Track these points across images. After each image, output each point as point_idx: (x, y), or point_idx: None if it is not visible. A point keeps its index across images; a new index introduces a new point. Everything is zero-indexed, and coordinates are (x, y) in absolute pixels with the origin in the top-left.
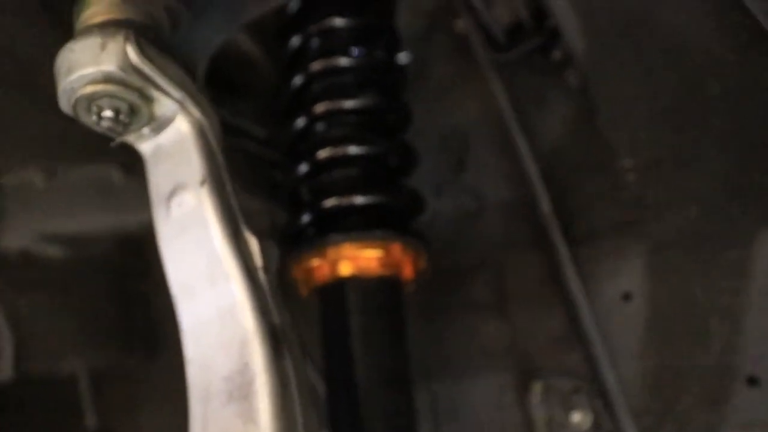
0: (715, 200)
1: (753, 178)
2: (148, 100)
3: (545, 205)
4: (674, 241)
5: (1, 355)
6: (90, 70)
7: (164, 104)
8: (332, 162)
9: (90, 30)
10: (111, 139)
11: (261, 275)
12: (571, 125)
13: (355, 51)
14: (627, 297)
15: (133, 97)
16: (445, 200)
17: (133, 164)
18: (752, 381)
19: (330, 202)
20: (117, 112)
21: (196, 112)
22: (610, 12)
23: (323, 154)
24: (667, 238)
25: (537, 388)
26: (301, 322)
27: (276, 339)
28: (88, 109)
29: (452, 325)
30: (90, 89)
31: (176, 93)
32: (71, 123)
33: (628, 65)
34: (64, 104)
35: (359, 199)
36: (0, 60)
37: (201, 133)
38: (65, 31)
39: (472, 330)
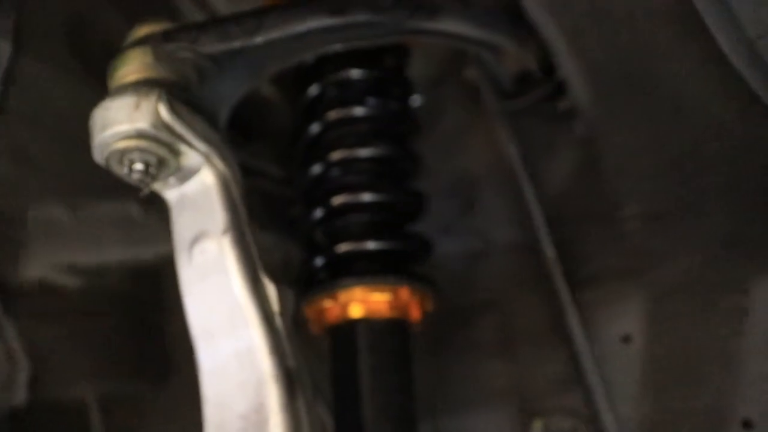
0: (715, 250)
1: (752, 231)
2: (176, 153)
3: (549, 250)
4: (675, 288)
5: (16, 382)
6: (124, 128)
7: (191, 157)
8: (346, 208)
9: (125, 89)
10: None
11: (278, 320)
12: (576, 173)
13: (369, 101)
14: (627, 340)
15: (162, 152)
16: (453, 241)
17: (151, 201)
18: (747, 424)
19: (342, 247)
20: (147, 164)
21: (221, 165)
22: (615, 68)
23: (337, 200)
24: (668, 285)
25: (537, 425)
26: (314, 359)
27: (291, 381)
28: (120, 162)
29: (457, 363)
30: (123, 144)
31: (202, 147)
32: (95, 164)
33: (632, 118)
34: (98, 156)
35: (370, 245)
36: (35, 104)
37: (224, 185)
38: (96, 80)
39: (476, 368)
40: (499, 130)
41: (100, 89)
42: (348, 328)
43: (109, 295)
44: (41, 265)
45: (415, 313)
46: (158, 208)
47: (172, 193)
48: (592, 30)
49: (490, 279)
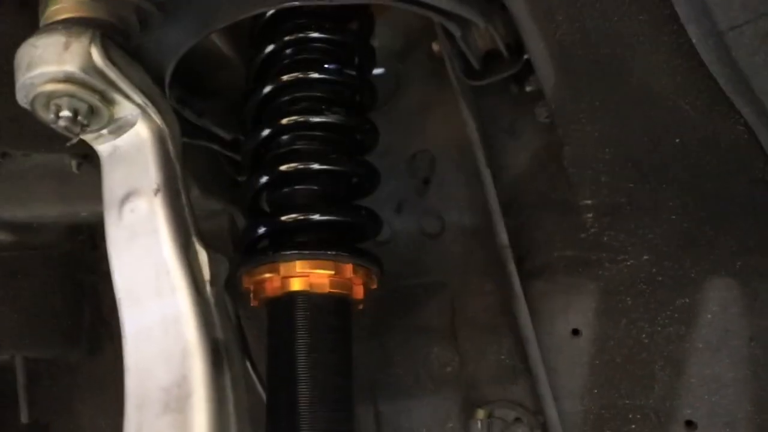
0: (668, 249)
1: (705, 231)
2: (110, 102)
3: (502, 236)
4: (626, 284)
5: None
6: (51, 69)
7: (126, 108)
8: (293, 176)
9: (54, 27)
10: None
11: (208, 289)
12: (536, 159)
13: (327, 66)
14: (576, 333)
15: (93, 99)
16: (406, 219)
17: (87, 155)
18: (690, 424)
19: (286, 217)
20: (76, 112)
21: (158, 119)
22: (582, 51)
23: (286, 167)
24: (620, 281)
25: (480, 414)
26: (258, 331)
27: (217, 354)
28: (47, 107)
29: (402, 346)
30: (50, 87)
31: (139, 98)
32: (28, 113)
33: (596, 107)
34: (22, 98)
35: (316, 216)
36: None
37: (161, 141)
38: (33, 15)
39: (421, 352)
40: (462, 108)
41: (34, 26)
42: (287, 301)
43: (41, 254)
44: None
45: (357, 291)
46: (95, 165)
47: (104, 147)
48: (563, 11)
49: (441, 261)
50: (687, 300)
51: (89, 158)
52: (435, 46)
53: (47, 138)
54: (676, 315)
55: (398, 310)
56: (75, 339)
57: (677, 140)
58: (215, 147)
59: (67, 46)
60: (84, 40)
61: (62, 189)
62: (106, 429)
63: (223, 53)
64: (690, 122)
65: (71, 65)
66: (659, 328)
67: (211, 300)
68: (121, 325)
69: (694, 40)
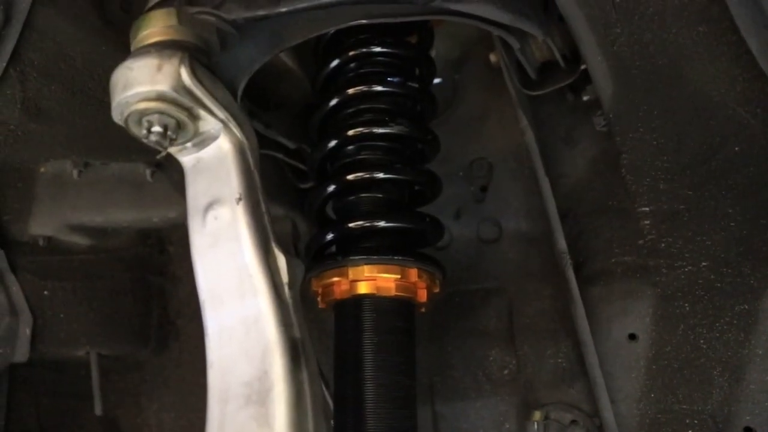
0: (726, 255)
1: (764, 238)
2: (195, 117)
3: (561, 242)
4: (684, 290)
5: (19, 336)
6: (145, 89)
7: (209, 123)
8: (359, 184)
9: (147, 50)
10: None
11: (286, 291)
12: (593, 166)
13: (390, 79)
14: (633, 338)
15: (181, 115)
16: (464, 226)
17: (160, 165)
18: (748, 431)
19: (354, 224)
20: (165, 127)
21: (238, 133)
22: (640, 62)
23: (352, 176)
24: (677, 287)
25: (536, 416)
26: (318, 333)
27: (296, 351)
28: (139, 123)
29: (460, 349)
30: (143, 106)
31: (221, 113)
32: (110, 122)
33: (654, 116)
34: (117, 116)
35: (382, 223)
36: (51, 56)
37: (241, 153)
38: (114, 36)
39: (479, 355)
40: (520, 117)
41: (117, 46)
42: (354, 304)
43: (114, 258)
44: (50, 223)
45: (421, 295)
46: (168, 173)
47: (188, 158)
48: (621, 23)
49: (498, 267)
50: (746, 307)
51: (162, 167)
52: (493, 57)
53: (125, 148)
54: (734, 321)
55: (456, 315)
56: (144, 337)
57: (736, 148)
58: (280, 156)
59: (159, 68)
60: (174, 62)
61: (136, 196)
62: (170, 423)
63: (287, 67)
64: (750, 130)
65: (163, 85)
66: (717, 334)
67: (290, 301)
68: (204, 325)
69: (754, 51)
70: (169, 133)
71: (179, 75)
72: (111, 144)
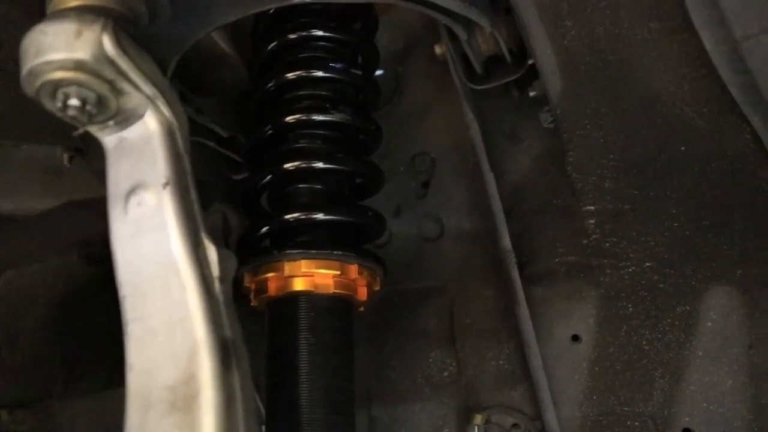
0: (670, 256)
1: (707, 239)
2: (118, 93)
3: (505, 241)
4: (627, 290)
5: None
6: (61, 56)
7: (134, 99)
8: (297, 174)
9: (65, 14)
10: (62, 121)
11: (217, 285)
12: (539, 164)
13: (332, 65)
14: (576, 339)
15: (102, 89)
16: (404, 222)
17: (81, 149)
18: None
19: (290, 216)
20: (84, 101)
21: (167, 112)
22: (590, 57)
23: (290, 165)
24: (621, 287)
25: (477, 420)
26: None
27: (226, 352)
28: (53, 96)
29: (398, 350)
30: (58, 75)
31: (148, 89)
32: (20, 100)
33: (602, 113)
34: (28, 87)
35: (320, 216)
36: None
37: (169, 133)
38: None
39: (418, 357)
40: (465, 111)
41: (29, 13)
42: (289, 302)
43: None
44: None
45: (361, 293)
46: (87, 159)
47: (109, 138)
48: (572, 16)
49: (439, 265)
50: (688, 308)
51: (81, 152)
52: (438, 49)
53: (40, 129)
54: (676, 322)
55: (395, 315)
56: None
57: (682, 148)
58: (212, 144)
59: (78, 34)
60: (96, 28)
61: (51, 182)
62: (86, 428)
63: (223, 51)
64: (696, 130)
65: (83, 53)
66: (659, 335)
67: (220, 297)
68: (123, 324)
69: (708, 48)
70: (88, 107)
71: (101, 43)
72: (23, 123)
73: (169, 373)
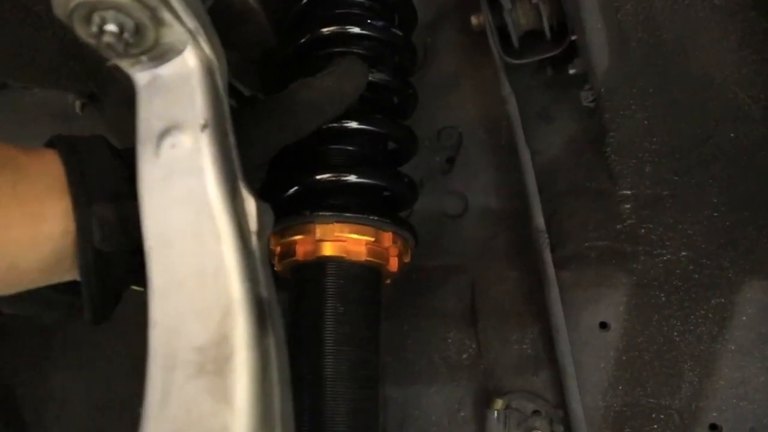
0: (707, 246)
1: (747, 231)
2: (159, 23)
3: (539, 220)
4: (660, 279)
5: None
6: None
7: (175, 32)
8: (330, 134)
9: None
10: (77, 65)
11: (254, 240)
12: (572, 145)
13: (369, 22)
14: (604, 326)
15: (143, 16)
16: (427, 198)
17: (95, 96)
18: (714, 428)
19: (323, 177)
20: (122, 28)
21: (207, 49)
22: (643, 34)
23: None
24: (654, 276)
25: (498, 404)
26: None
27: (262, 313)
28: (88, 20)
29: (416, 328)
30: None
31: (191, 22)
32: (39, 34)
33: (649, 94)
34: (59, 8)
35: (353, 179)
36: None
37: (209, 73)
38: None
39: (436, 337)
40: (503, 84)
41: None
42: (317, 267)
43: None
44: None
45: (393, 263)
46: (101, 108)
47: (142, 74)
48: None
49: (461, 244)
50: (722, 300)
51: (94, 99)
52: (475, 20)
53: (54, 71)
54: (710, 315)
55: (413, 292)
56: (51, 294)
57: (732, 134)
58: (232, 103)
59: None
60: None
61: (61, 131)
62: (81, 395)
63: (249, 6)
64: (749, 116)
65: None
66: (691, 327)
67: (257, 254)
68: (147, 276)
69: None
70: (125, 35)
71: None
72: (35, 65)
73: (198, 332)
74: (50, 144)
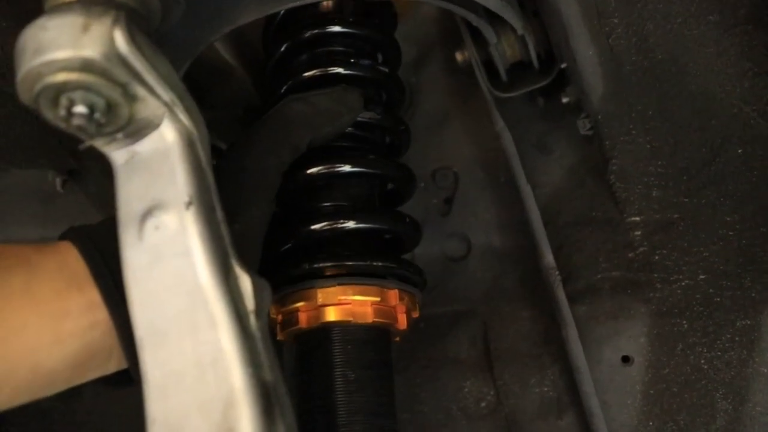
0: (726, 267)
1: (765, 247)
2: (132, 98)
3: (548, 257)
4: (681, 306)
5: None
6: (66, 55)
7: (150, 106)
8: (322, 180)
9: (69, 6)
10: (55, 141)
11: (252, 321)
12: (573, 175)
13: (355, 61)
14: (626, 361)
15: (114, 94)
16: (428, 242)
17: (76, 171)
18: None
19: (316, 230)
20: (92, 108)
21: (186, 120)
22: (637, 57)
23: (313, 170)
24: (673, 303)
25: None
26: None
27: (268, 400)
28: (55, 102)
29: (430, 380)
30: (62, 77)
31: (166, 94)
32: (11, 115)
33: (648, 117)
34: (24, 93)
35: (351, 225)
36: None
37: (190, 145)
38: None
39: (452, 387)
40: (495, 119)
41: (24, 18)
42: (322, 334)
43: None
44: None
45: (401, 321)
46: (82, 183)
47: (119, 153)
48: (620, 12)
49: (468, 287)
50: (748, 321)
51: (76, 175)
52: (459, 56)
53: (30, 150)
54: (736, 338)
55: (423, 342)
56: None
57: (740, 150)
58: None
59: (86, 28)
60: (106, 22)
61: (43, 210)
62: (117, 421)
63: (228, 64)
64: (755, 130)
65: (91, 50)
66: (719, 353)
67: (257, 335)
68: (141, 371)
69: None
70: (96, 116)
71: (112, 38)
72: (12, 144)
73: (201, 427)
74: (63, 237)
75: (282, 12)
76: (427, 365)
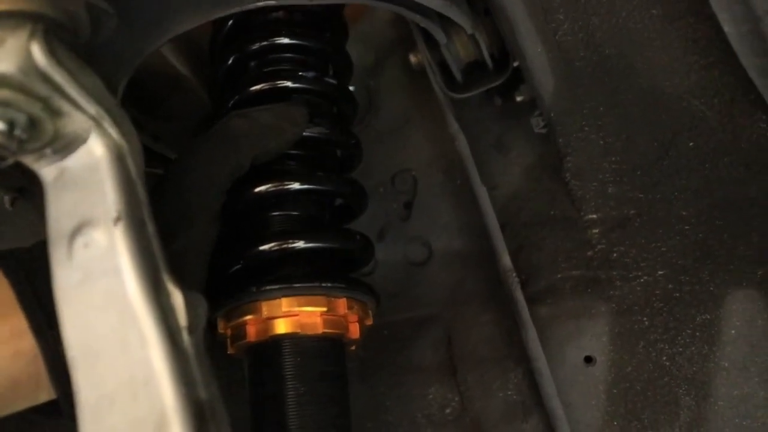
0: (684, 262)
1: (722, 240)
2: (55, 113)
3: (505, 260)
4: (641, 303)
5: None
6: None
7: (75, 120)
8: (271, 199)
9: None
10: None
11: (185, 337)
12: (531, 174)
13: (303, 74)
14: (589, 361)
15: (34, 109)
16: (389, 247)
17: (26, 189)
18: None
19: (266, 246)
20: (11, 125)
21: (115, 133)
22: (585, 53)
23: (261, 189)
24: (634, 300)
25: None
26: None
27: (202, 419)
28: None
29: (394, 388)
30: None
31: (92, 108)
32: None
33: (600, 113)
34: None
35: (300, 244)
36: None
37: (119, 159)
38: None
39: (416, 394)
40: (449, 122)
41: None
42: (272, 347)
43: None
44: None
45: (353, 330)
46: (33, 200)
47: (48, 169)
48: (564, 8)
49: (430, 291)
50: (708, 316)
51: (26, 193)
52: (413, 58)
53: None
54: (697, 333)
55: (387, 350)
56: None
57: (691, 144)
58: None
59: (1, 43)
60: (22, 35)
61: None
62: None
63: (179, 74)
64: (706, 123)
65: (6, 64)
66: (681, 349)
67: (190, 351)
68: (75, 392)
69: (726, 30)
70: (16, 132)
71: (29, 52)
72: None
73: None
74: None
75: (230, 22)
76: (391, 373)
